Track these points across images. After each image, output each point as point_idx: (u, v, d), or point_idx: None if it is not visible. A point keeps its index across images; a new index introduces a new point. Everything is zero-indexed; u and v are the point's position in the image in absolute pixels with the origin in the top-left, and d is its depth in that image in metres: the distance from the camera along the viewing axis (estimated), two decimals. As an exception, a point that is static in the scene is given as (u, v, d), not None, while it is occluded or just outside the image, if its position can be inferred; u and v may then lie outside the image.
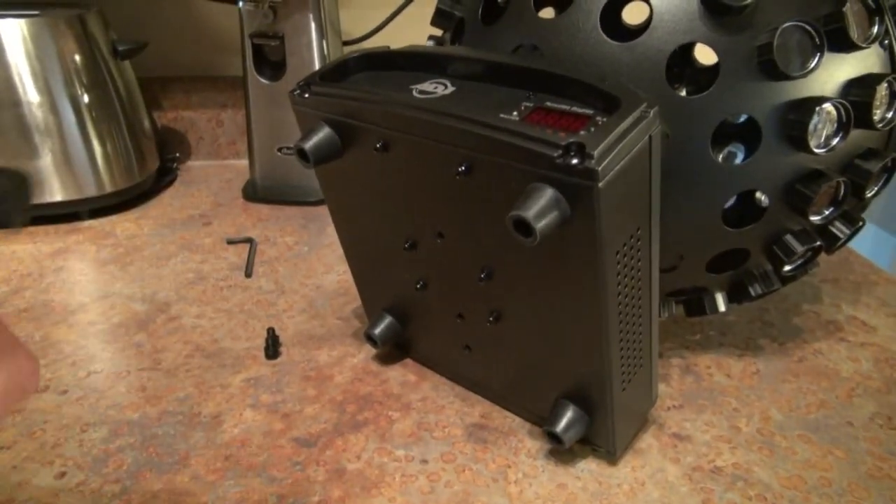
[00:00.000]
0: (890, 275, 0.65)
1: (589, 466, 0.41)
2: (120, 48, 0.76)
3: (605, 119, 0.31)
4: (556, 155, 0.30)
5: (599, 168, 0.29)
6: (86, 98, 0.72)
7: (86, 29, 0.72)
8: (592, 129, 0.31)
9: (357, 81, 0.41)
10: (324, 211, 0.78)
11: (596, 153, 0.29)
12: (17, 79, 0.68)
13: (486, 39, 0.44)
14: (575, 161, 0.29)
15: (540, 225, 0.30)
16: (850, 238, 0.44)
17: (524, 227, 0.30)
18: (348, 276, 0.63)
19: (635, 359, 0.39)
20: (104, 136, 0.75)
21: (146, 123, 0.83)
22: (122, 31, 0.78)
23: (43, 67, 0.69)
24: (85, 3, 0.76)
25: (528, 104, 0.34)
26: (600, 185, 0.29)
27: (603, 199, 0.29)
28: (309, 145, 0.39)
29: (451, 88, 0.37)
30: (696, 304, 0.49)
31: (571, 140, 0.29)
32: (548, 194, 0.30)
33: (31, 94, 0.69)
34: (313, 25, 0.75)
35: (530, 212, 0.30)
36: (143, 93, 0.83)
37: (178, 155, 0.90)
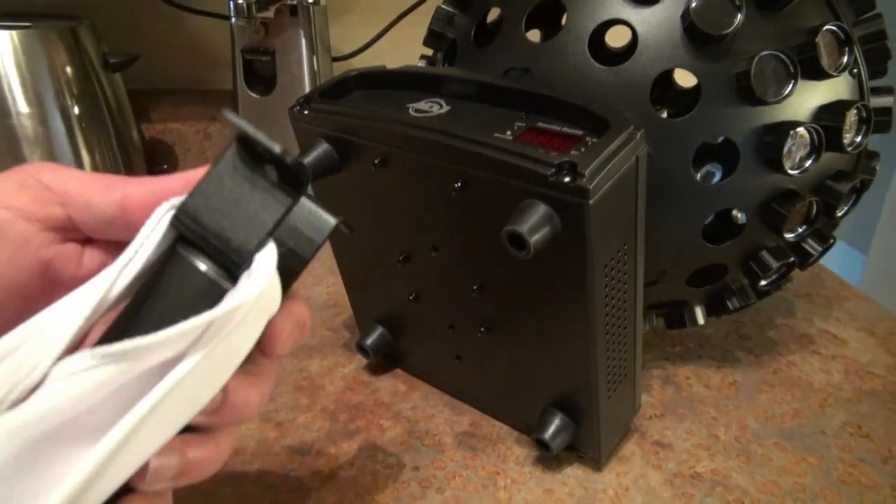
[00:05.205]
0: (859, 291, 0.67)
1: (575, 472, 0.43)
2: (111, 60, 0.77)
3: (594, 140, 0.33)
4: (549, 173, 0.31)
5: (591, 186, 0.30)
6: (76, 109, 0.73)
7: (77, 41, 0.73)
8: (583, 149, 0.32)
9: (355, 99, 0.43)
10: (312, 224, 0.79)
11: (587, 172, 0.30)
12: (7, 90, 0.68)
13: (479, 61, 0.46)
14: (567, 179, 0.31)
15: (534, 239, 0.31)
16: (821, 255, 0.46)
17: (519, 241, 0.32)
18: (337, 288, 0.64)
19: (621, 368, 0.40)
20: (93, 148, 0.75)
21: (135, 135, 0.83)
22: (114, 44, 0.79)
23: (34, 79, 0.70)
24: (77, 15, 0.76)
25: (520, 124, 0.36)
26: (591, 202, 0.31)
27: (593, 215, 0.31)
28: (308, 160, 0.41)
29: (446, 107, 0.39)
30: (677, 316, 0.51)
31: (564, 159, 0.31)
32: (541, 210, 0.32)
33: (20, 105, 0.69)
34: (304, 42, 0.76)
35: (525, 226, 0.31)
36: (132, 105, 0.83)
37: (165, 167, 0.90)
